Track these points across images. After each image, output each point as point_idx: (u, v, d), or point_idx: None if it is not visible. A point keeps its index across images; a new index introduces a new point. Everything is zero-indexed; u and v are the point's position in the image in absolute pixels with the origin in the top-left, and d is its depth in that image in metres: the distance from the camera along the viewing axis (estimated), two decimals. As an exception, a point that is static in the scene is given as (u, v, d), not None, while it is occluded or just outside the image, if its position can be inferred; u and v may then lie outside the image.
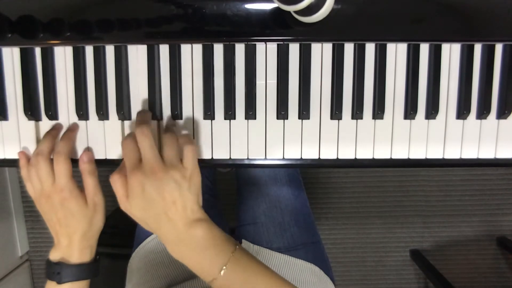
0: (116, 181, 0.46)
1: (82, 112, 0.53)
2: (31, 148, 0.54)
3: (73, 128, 0.53)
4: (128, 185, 0.45)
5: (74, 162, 0.53)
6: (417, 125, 0.53)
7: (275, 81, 0.53)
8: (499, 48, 0.53)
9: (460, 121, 0.54)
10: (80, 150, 0.54)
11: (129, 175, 0.45)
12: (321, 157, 0.54)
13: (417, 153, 0.54)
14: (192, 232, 0.44)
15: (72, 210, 0.50)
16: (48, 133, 0.52)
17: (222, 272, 0.43)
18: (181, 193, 0.45)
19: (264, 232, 0.69)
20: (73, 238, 0.51)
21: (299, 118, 0.53)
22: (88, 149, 0.54)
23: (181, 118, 0.54)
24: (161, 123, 0.54)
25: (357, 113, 0.53)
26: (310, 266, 0.67)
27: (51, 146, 0.50)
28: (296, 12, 0.44)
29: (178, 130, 0.53)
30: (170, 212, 0.44)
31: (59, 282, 0.50)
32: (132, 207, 0.45)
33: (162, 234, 0.46)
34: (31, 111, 0.53)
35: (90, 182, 0.51)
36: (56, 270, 0.51)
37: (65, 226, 0.51)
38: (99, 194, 0.52)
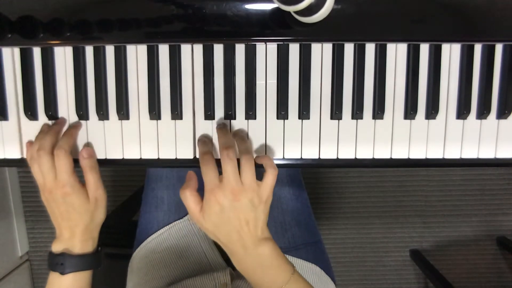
0: (188, 196, 0.48)
1: (82, 112, 0.53)
2: (31, 148, 0.54)
3: (75, 125, 0.54)
4: (205, 202, 0.47)
5: (76, 161, 0.53)
6: (417, 125, 0.53)
7: (275, 81, 0.53)
8: (499, 48, 0.53)
9: (460, 121, 0.54)
10: (79, 150, 0.54)
11: (209, 194, 0.47)
12: (321, 157, 0.54)
13: (417, 153, 0.54)
14: (259, 250, 0.47)
15: (74, 205, 0.51)
16: (51, 128, 0.52)
17: None
18: (255, 215, 0.47)
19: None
20: (75, 231, 0.52)
21: (299, 118, 0.53)
22: (88, 145, 0.54)
23: (181, 118, 0.54)
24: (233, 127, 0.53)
25: (357, 113, 0.53)
26: (311, 266, 0.67)
27: (53, 141, 0.50)
28: (296, 12, 0.44)
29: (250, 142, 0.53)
30: (242, 232, 0.47)
31: (62, 273, 0.51)
32: (206, 222, 0.48)
33: (231, 249, 0.49)
34: (31, 111, 0.53)
35: (92, 178, 0.52)
36: (59, 261, 0.51)
37: (67, 219, 0.51)
38: (100, 189, 0.53)
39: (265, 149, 0.54)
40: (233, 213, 0.47)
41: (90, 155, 0.53)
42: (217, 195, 0.46)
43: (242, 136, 0.52)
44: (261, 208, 0.48)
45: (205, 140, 0.53)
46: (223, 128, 0.52)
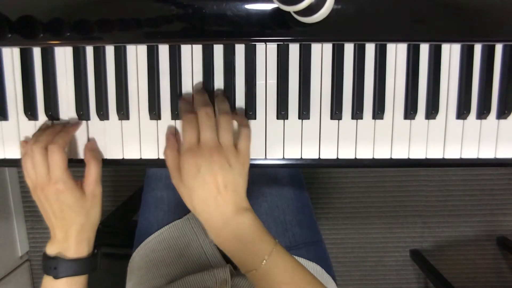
0: (169, 155, 0.47)
1: (82, 112, 0.53)
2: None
3: (75, 124, 0.53)
4: (183, 163, 0.45)
5: (73, 161, 0.54)
6: (417, 125, 0.53)
7: (275, 81, 0.53)
8: (499, 48, 0.53)
9: (460, 121, 0.54)
10: (80, 150, 0.54)
11: (186, 153, 0.45)
12: (321, 157, 0.54)
13: (417, 153, 0.54)
14: (239, 220, 0.45)
15: (68, 202, 0.49)
16: (51, 127, 0.52)
17: (263, 263, 0.43)
18: (233, 178, 0.45)
19: (266, 231, 0.69)
20: (69, 231, 0.50)
21: (299, 118, 0.53)
22: (92, 139, 0.54)
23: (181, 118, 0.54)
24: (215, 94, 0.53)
25: (357, 113, 0.53)
26: (311, 265, 0.67)
27: (49, 138, 0.49)
28: (296, 12, 0.44)
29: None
30: (219, 197, 0.44)
31: (55, 277, 0.49)
32: (184, 184, 0.46)
33: (208, 218, 0.46)
34: (31, 111, 0.53)
35: (93, 172, 0.50)
36: (52, 265, 0.49)
37: (61, 218, 0.49)
38: (99, 186, 0.51)
39: (265, 149, 0.54)
40: (210, 175, 0.44)
41: (94, 148, 0.52)
42: (194, 155, 0.44)
43: (221, 97, 0.51)
44: (238, 170, 0.45)
45: (185, 99, 0.51)
46: (199, 89, 0.51)
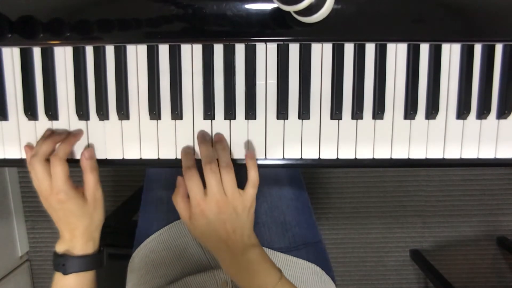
0: (179, 202, 0.51)
1: (82, 112, 0.53)
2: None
3: (76, 133, 0.54)
4: (193, 213, 0.50)
5: (75, 162, 0.54)
6: (417, 125, 0.53)
7: (275, 81, 0.53)
8: (499, 48, 0.53)
9: (460, 121, 0.54)
10: (80, 150, 0.54)
11: (195, 207, 0.49)
12: (321, 157, 0.54)
13: (417, 153, 0.54)
14: (246, 257, 0.49)
15: (71, 210, 0.51)
16: (50, 136, 0.52)
17: None
18: (240, 223, 0.50)
19: (266, 232, 0.69)
20: (75, 233, 0.53)
21: (299, 118, 0.53)
22: (89, 146, 0.54)
23: (181, 118, 0.54)
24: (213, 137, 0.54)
25: (357, 113, 0.53)
26: (311, 266, 0.67)
27: (49, 149, 0.51)
28: (296, 12, 0.44)
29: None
30: (229, 240, 0.49)
31: (64, 273, 0.52)
32: (196, 230, 0.50)
33: (219, 256, 0.51)
34: (31, 111, 0.53)
35: (91, 178, 0.52)
36: (61, 262, 0.52)
37: (66, 223, 0.52)
38: (99, 190, 0.53)
39: (265, 149, 0.54)
40: (219, 224, 0.49)
41: (91, 156, 0.53)
42: (203, 209, 0.48)
43: (223, 147, 0.53)
44: (245, 215, 0.50)
45: (188, 152, 0.54)
46: (203, 140, 0.53)
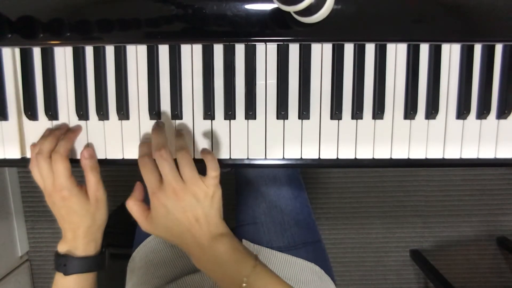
0: (132, 206, 0.49)
1: (82, 112, 0.53)
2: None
3: (75, 130, 0.54)
4: (151, 207, 0.47)
5: (76, 161, 0.53)
6: (417, 125, 0.53)
7: (275, 81, 0.53)
8: (499, 48, 0.53)
9: (460, 121, 0.54)
10: (80, 150, 0.54)
11: (151, 198, 0.47)
12: (321, 157, 0.54)
13: (417, 153, 0.54)
14: (214, 247, 0.46)
15: (74, 208, 0.51)
16: (51, 132, 0.52)
17: (243, 285, 0.44)
18: (203, 211, 0.47)
19: (265, 231, 0.69)
20: (77, 232, 0.52)
21: (299, 118, 0.53)
22: (88, 145, 0.54)
23: (181, 118, 0.54)
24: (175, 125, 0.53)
25: (357, 113, 0.53)
26: (310, 266, 0.67)
27: (52, 146, 0.51)
28: (296, 12, 0.44)
29: (188, 134, 0.53)
30: (193, 230, 0.46)
31: (65, 274, 0.52)
32: (156, 228, 0.48)
33: (187, 249, 0.48)
34: (31, 111, 0.53)
35: (92, 178, 0.52)
36: (62, 262, 0.52)
37: (69, 222, 0.52)
38: (101, 189, 0.53)
39: (265, 149, 0.54)
40: (180, 213, 0.46)
41: (91, 155, 0.53)
42: (159, 198, 0.46)
43: (179, 133, 0.51)
44: (207, 202, 0.47)
45: (143, 142, 0.52)
46: (156, 128, 0.51)
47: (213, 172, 0.47)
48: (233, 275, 0.45)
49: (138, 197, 0.50)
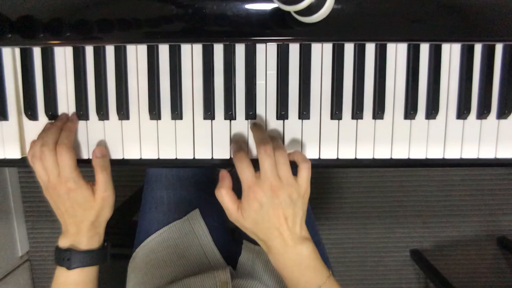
0: (224, 195, 0.48)
1: (82, 112, 0.53)
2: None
3: (72, 119, 0.53)
4: (244, 200, 0.47)
5: (80, 162, 0.53)
6: (417, 125, 0.53)
7: (275, 81, 0.53)
8: (499, 48, 0.53)
9: (460, 121, 0.54)
10: (80, 150, 0.54)
11: (247, 191, 0.46)
12: (321, 157, 0.54)
13: (417, 153, 0.54)
14: (298, 249, 0.47)
15: (79, 201, 0.51)
16: (53, 124, 0.52)
17: None
18: (294, 211, 0.47)
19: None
20: (81, 227, 0.52)
21: (299, 118, 0.53)
22: (101, 144, 0.54)
23: (181, 118, 0.54)
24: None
25: (357, 113, 0.53)
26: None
27: (55, 137, 0.50)
28: (296, 12, 0.44)
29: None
30: (281, 228, 0.47)
31: (68, 268, 0.52)
32: (245, 220, 0.48)
33: (270, 246, 0.48)
34: (31, 111, 0.53)
35: (102, 178, 0.52)
36: (65, 256, 0.52)
37: (73, 215, 0.51)
38: (109, 190, 0.53)
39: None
40: (272, 210, 0.46)
41: (103, 154, 0.52)
42: (256, 192, 0.46)
43: (274, 135, 0.52)
44: (299, 203, 0.47)
45: (237, 139, 0.53)
46: (255, 126, 0.52)
47: (305, 163, 0.48)
48: (309, 281, 0.46)
49: (228, 185, 0.49)
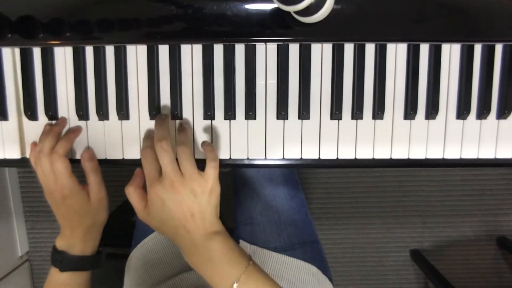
0: (132, 193, 0.48)
1: (82, 112, 0.53)
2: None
3: (75, 130, 0.54)
4: (148, 198, 0.47)
5: (75, 162, 0.54)
6: (417, 125, 0.53)
7: (275, 81, 0.53)
8: (499, 48, 0.53)
9: (460, 121, 0.54)
10: (80, 150, 0.54)
11: (149, 189, 0.46)
12: (321, 157, 0.54)
13: (417, 153, 0.54)
14: (208, 245, 0.46)
15: (74, 207, 0.51)
16: (51, 129, 0.52)
17: (234, 286, 0.44)
18: (200, 206, 0.46)
19: (261, 232, 0.69)
20: (76, 231, 0.53)
21: (299, 118, 0.53)
22: (88, 148, 0.54)
23: (181, 118, 0.54)
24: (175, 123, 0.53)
25: (357, 113, 0.53)
26: (307, 266, 0.67)
27: (53, 144, 0.51)
28: (296, 12, 0.44)
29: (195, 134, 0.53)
30: (188, 225, 0.46)
31: (60, 270, 0.53)
32: (151, 218, 0.47)
33: (180, 244, 0.47)
34: (31, 111, 0.53)
35: (93, 180, 0.52)
36: (59, 258, 0.53)
37: (68, 220, 0.52)
38: (103, 191, 0.53)
39: (265, 149, 0.54)
40: (176, 206, 0.45)
41: (91, 158, 0.53)
42: (156, 189, 0.45)
43: (181, 128, 0.51)
44: (204, 198, 0.46)
45: (148, 135, 0.53)
46: (159, 119, 0.51)
47: (212, 162, 0.47)
48: (224, 275, 0.45)
49: (139, 183, 0.49)
